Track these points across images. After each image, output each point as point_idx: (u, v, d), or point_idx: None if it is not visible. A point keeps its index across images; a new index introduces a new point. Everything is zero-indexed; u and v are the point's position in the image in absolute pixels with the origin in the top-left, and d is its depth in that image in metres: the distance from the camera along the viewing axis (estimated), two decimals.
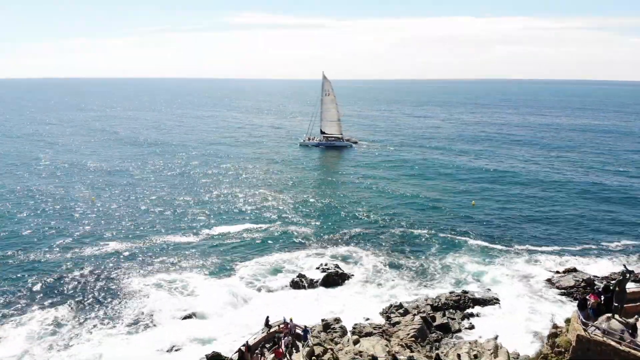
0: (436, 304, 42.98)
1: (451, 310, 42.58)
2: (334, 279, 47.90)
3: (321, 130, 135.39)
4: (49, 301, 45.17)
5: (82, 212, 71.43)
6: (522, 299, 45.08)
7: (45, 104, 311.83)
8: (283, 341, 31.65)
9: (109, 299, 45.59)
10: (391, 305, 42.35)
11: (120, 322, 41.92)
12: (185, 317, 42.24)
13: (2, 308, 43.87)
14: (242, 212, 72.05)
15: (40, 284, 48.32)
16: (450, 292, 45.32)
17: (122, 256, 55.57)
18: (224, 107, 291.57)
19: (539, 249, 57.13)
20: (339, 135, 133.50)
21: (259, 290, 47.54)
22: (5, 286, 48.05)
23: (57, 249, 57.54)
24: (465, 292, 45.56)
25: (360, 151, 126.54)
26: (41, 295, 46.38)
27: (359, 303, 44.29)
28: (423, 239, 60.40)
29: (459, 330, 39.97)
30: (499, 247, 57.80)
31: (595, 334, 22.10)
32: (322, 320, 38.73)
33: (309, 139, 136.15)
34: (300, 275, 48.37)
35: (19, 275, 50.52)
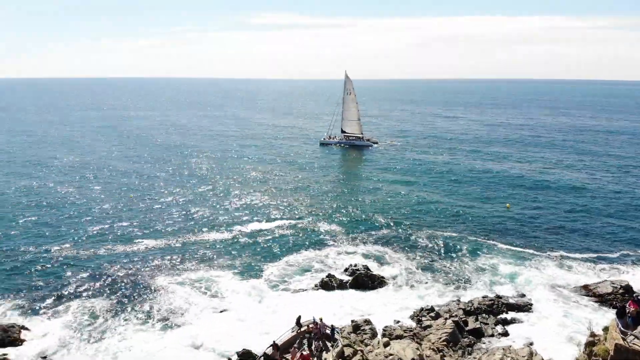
0: (469, 308, 42.18)
1: (484, 315, 41.71)
2: (363, 280, 47.48)
3: (342, 130, 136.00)
4: (84, 295, 46.25)
5: (117, 209, 72.74)
6: (556, 305, 43.91)
7: (87, 102, 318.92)
8: (314, 345, 31.50)
9: (140, 295, 46.25)
10: (422, 309, 41.78)
11: (149, 317, 42.50)
12: (214, 315, 42.50)
13: (39, 300, 45.07)
14: (270, 211, 72.12)
15: (75, 279, 49.52)
16: (483, 297, 44.41)
17: (153, 253, 56.29)
18: (254, 108, 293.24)
19: (573, 255, 55.50)
20: (360, 135, 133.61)
21: (288, 289, 47.48)
22: (43, 279, 49.33)
23: (92, 244, 58.74)
24: (499, 296, 44.63)
25: (381, 151, 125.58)
26: (76, 289, 47.46)
27: (389, 305, 43.81)
28: (453, 241, 59.47)
29: (492, 336, 39.12)
30: (531, 251, 56.48)
31: (634, 343, 21.35)
32: (352, 321, 38.48)
33: (330, 138, 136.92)
34: (330, 276, 48.10)
35: (56, 268, 51.86)
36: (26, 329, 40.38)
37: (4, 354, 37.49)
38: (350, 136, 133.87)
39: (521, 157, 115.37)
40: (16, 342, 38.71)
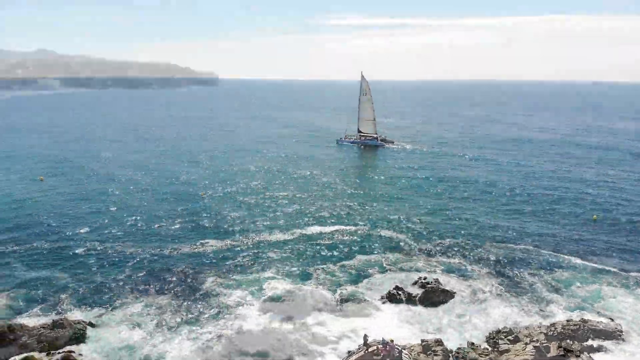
0: (551, 333, 38.54)
1: (568, 341, 37.88)
2: (434, 295, 44.55)
3: (358, 129, 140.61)
4: (149, 291, 46.39)
5: (185, 208, 73.35)
6: None
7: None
8: None
9: (198, 295, 45.80)
10: (499, 331, 38.54)
11: (204, 316, 42.21)
12: (271, 322, 41.08)
13: (105, 294, 45.49)
14: (323, 214, 70.18)
15: (142, 275, 49.92)
16: (567, 320, 40.52)
17: (213, 253, 55.82)
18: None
19: None
20: (375, 135, 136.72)
21: (352, 299, 45.20)
22: (111, 276, 49.88)
23: (157, 242, 59.10)
24: (584, 320, 40.60)
25: (422, 153, 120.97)
26: (142, 285, 47.79)
27: (462, 324, 40.78)
28: (526, 254, 55.37)
29: None
30: (616, 269, 51.60)
31: None
32: (422, 341, 35.87)
33: (346, 138, 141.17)
34: (398, 288, 45.44)
35: (125, 265, 52.52)
36: (92, 325, 40.58)
37: (70, 351, 37.73)
38: (367, 136, 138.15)
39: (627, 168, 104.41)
40: (82, 338, 38.89)
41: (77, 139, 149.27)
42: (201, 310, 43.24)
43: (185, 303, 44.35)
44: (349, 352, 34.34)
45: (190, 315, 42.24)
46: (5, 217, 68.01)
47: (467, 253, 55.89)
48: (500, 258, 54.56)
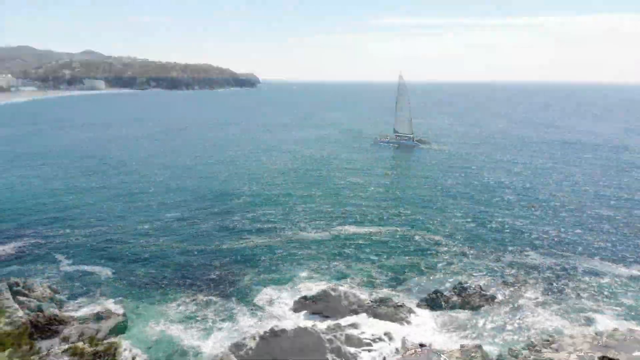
0: (596, 342, 36.91)
1: (613, 351, 36.23)
2: (473, 300, 43.42)
3: (394, 129, 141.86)
4: (186, 287, 47.03)
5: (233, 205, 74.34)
6: None
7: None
8: None
9: (233, 292, 46.15)
10: (542, 338, 37.18)
11: (240, 314, 42.44)
12: (305, 322, 40.86)
13: (144, 288, 46.36)
14: (359, 215, 69.55)
15: (179, 271, 50.67)
16: (613, 330, 38.74)
17: (249, 251, 56.16)
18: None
19: None
20: (410, 135, 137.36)
21: (385, 302, 44.47)
22: (150, 271, 50.90)
23: (200, 239, 60.04)
24: (631, 330, 38.64)
25: (458, 154, 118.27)
26: (180, 281, 48.56)
27: (502, 330, 39.54)
28: (573, 262, 53.27)
29: None
30: None
31: None
32: (461, 346, 34.95)
33: (382, 138, 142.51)
34: (436, 292, 44.46)
35: (164, 260, 53.51)
36: (132, 318, 41.40)
37: (112, 342, 38.61)
38: (402, 136, 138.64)
39: None
40: (123, 330, 39.73)
41: (119, 137, 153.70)
42: (236, 307, 43.55)
43: (221, 300, 44.78)
44: (384, 358, 33.86)
45: (225, 313, 42.62)
46: (49, 210, 70.55)
47: (506, 258, 54.29)
48: (542, 264, 52.74)
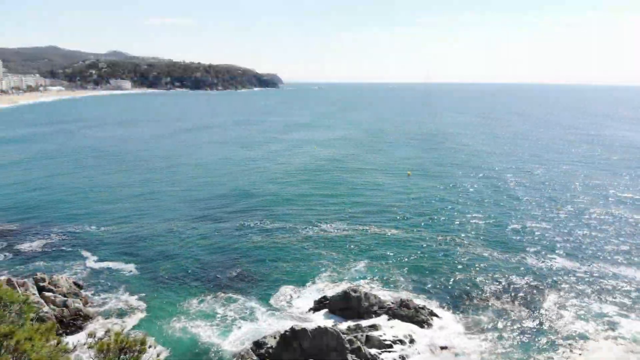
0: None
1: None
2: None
3: None
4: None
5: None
6: None
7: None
8: None
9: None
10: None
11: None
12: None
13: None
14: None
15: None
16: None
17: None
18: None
19: None
20: None
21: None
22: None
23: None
24: None
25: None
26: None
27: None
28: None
29: None
30: None
31: None
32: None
33: None
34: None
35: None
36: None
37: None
38: None
39: None
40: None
41: (145, 136, 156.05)
42: (256, 306, 43.69)
43: (241, 298, 45.00)
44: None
45: (245, 311, 42.76)
46: (74, 207, 72.04)
47: (529, 261, 53.33)
48: (566, 267, 51.68)
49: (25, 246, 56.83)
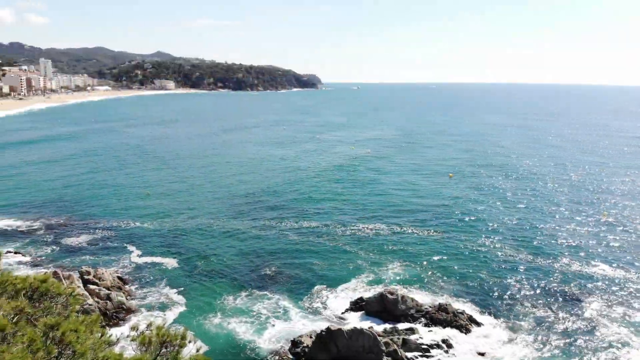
0: None
1: None
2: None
3: None
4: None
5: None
6: None
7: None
8: None
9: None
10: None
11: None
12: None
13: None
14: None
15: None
16: None
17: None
18: None
19: None
20: None
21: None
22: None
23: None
24: None
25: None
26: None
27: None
28: None
29: None
30: None
31: None
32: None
33: None
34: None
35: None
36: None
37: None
38: None
39: None
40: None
41: (188, 134, 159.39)
42: (290, 305, 43.80)
43: (276, 296, 45.23)
44: None
45: (279, 309, 42.96)
46: (118, 203, 74.22)
47: (572, 268, 51.52)
48: (608, 275, 49.65)
49: (71, 240, 58.95)
